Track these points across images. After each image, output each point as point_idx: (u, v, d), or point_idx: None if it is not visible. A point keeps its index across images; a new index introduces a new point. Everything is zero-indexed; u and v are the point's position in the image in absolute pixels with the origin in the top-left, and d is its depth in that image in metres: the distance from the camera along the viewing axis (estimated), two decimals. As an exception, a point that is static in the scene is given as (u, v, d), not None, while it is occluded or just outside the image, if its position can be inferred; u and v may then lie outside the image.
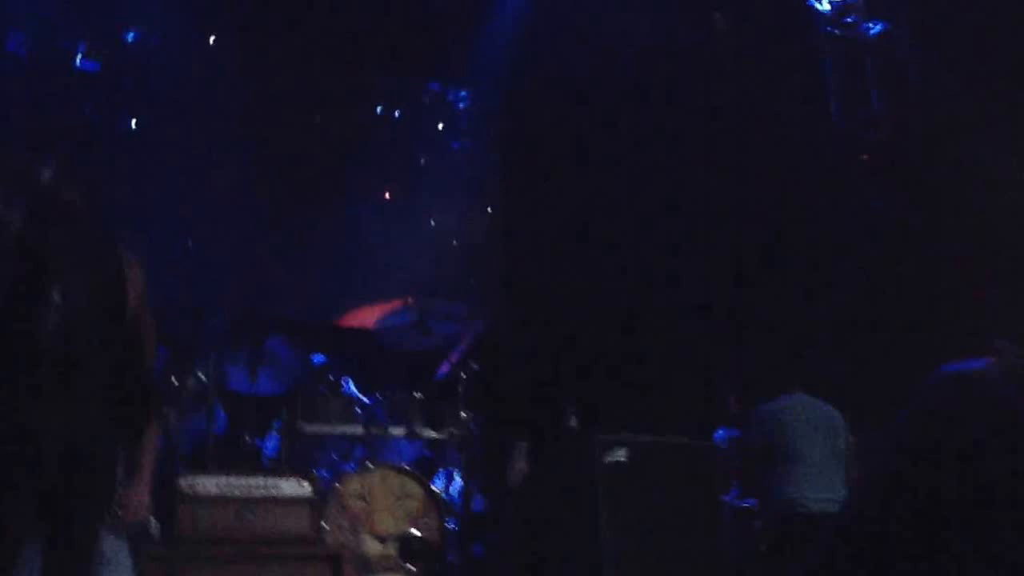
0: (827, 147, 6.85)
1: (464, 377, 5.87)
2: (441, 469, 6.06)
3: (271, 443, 5.69)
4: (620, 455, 4.56)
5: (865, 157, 6.74)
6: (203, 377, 5.39)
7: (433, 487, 5.42)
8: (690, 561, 4.51)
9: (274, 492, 4.62)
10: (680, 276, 7.31)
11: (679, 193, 7.42)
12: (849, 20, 6.56)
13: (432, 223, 8.25)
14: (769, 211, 7.01)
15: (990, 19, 6.42)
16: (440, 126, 8.48)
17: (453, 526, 5.43)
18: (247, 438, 5.76)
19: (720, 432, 5.46)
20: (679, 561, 4.48)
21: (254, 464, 5.56)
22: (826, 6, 6.62)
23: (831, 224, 6.96)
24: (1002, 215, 6.17)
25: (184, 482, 4.45)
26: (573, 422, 5.22)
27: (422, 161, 8.40)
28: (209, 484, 4.50)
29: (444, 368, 6.27)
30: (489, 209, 8.39)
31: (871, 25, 6.63)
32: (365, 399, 5.91)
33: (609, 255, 7.49)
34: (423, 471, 5.63)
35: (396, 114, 8.30)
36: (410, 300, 6.43)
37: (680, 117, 7.36)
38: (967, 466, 1.81)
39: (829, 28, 6.64)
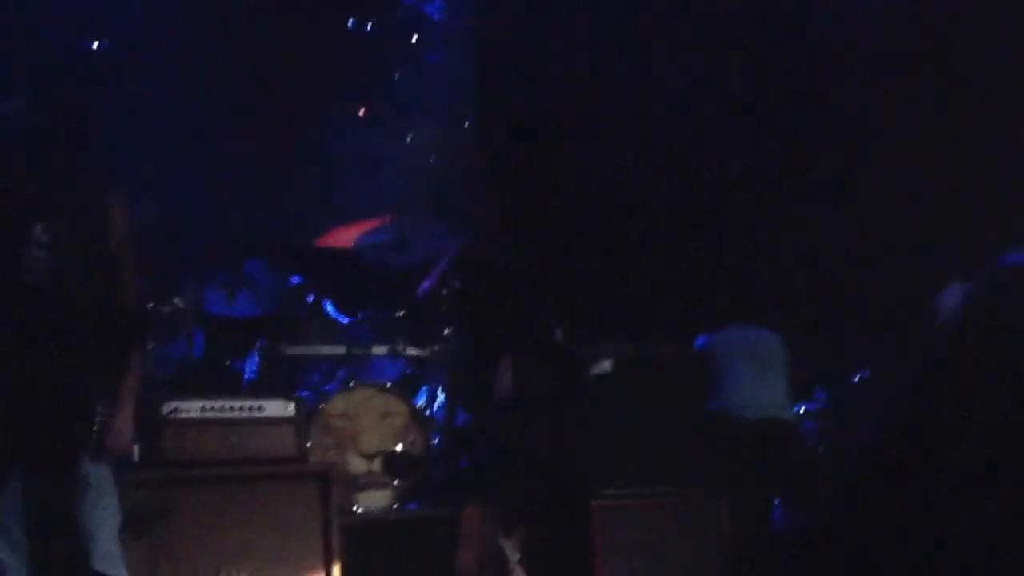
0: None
1: (446, 294, 5.82)
2: (424, 386, 6.05)
3: (251, 366, 5.65)
4: (606, 366, 4.55)
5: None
6: (180, 302, 5.33)
7: (416, 404, 5.42)
8: (678, 468, 4.54)
9: (258, 414, 4.59)
10: (663, 185, 7.23)
11: (660, 102, 7.29)
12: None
13: (408, 139, 8.10)
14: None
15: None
16: (415, 39, 8.28)
17: (437, 442, 5.44)
18: (227, 361, 5.72)
19: (701, 339, 5.50)
20: (666, 470, 4.51)
21: (235, 387, 5.53)
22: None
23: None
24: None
25: (166, 407, 4.41)
26: (559, 335, 5.20)
27: (396, 76, 8.21)
28: (192, 408, 4.46)
29: (426, 285, 6.21)
30: (467, 123, 8.23)
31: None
32: (346, 319, 5.86)
33: (588, 166, 7.38)
34: (406, 389, 5.62)
35: (368, 27, 8.09)
36: (389, 218, 6.34)
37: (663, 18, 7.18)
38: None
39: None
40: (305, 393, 5.34)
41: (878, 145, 6.58)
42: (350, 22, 8.10)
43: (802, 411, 5.95)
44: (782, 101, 7.02)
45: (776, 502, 5.18)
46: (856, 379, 6.10)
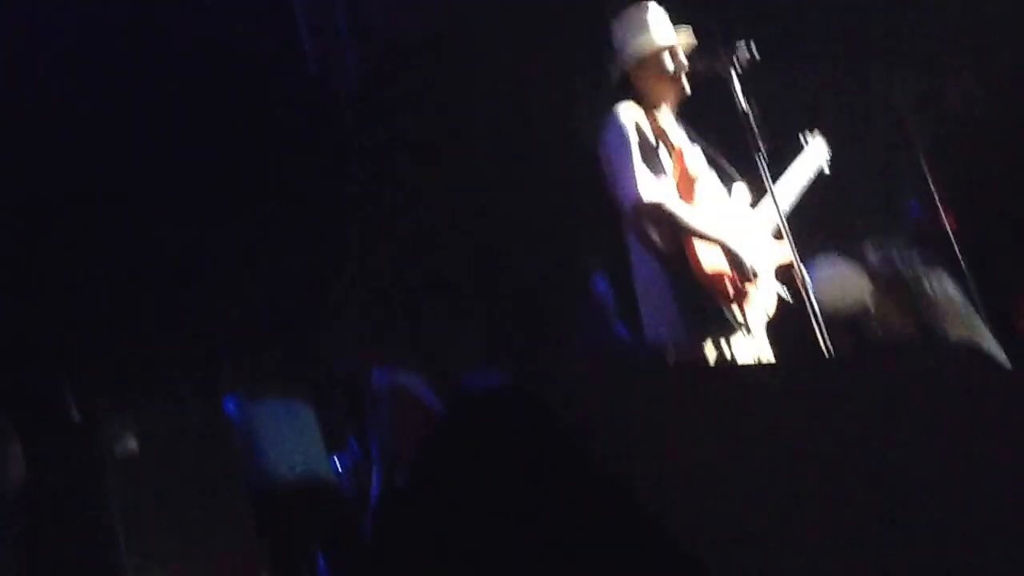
0: (303, 95, 6.92)
1: None
2: None
3: None
4: (131, 443, 4.30)
5: (340, 106, 6.91)
6: None
7: None
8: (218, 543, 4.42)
9: None
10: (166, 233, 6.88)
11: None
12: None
13: None
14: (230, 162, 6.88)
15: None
16: None
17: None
18: None
19: (229, 401, 5.32)
20: (209, 548, 4.37)
21: None
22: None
23: (304, 170, 7.05)
24: (469, 164, 6.72)
25: None
26: (75, 413, 4.81)
27: None
28: None
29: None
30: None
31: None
32: None
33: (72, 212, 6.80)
34: None
35: None
36: None
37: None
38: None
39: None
40: None
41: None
42: None
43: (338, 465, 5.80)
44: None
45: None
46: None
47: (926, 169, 5.13)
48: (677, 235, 3.44)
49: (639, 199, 3.45)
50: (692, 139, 3.78)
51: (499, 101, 6.82)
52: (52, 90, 6.37)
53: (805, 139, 4.23)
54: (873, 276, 4.54)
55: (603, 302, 6.20)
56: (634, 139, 3.53)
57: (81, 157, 6.24)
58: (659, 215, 3.46)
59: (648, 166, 3.51)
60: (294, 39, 7.00)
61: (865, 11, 6.17)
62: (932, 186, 5.12)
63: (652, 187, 3.46)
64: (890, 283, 4.54)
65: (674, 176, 3.57)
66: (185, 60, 6.59)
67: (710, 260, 3.44)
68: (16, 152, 6.01)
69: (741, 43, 3.45)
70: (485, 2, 6.72)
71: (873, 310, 4.04)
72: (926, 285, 4.91)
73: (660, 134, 3.63)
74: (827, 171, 4.30)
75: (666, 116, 3.74)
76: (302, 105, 7.04)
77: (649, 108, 3.68)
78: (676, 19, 3.78)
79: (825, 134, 4.30)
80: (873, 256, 4.87)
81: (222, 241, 6.68)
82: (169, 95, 6.54)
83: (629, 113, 3.61)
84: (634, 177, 3.47)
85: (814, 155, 4.20)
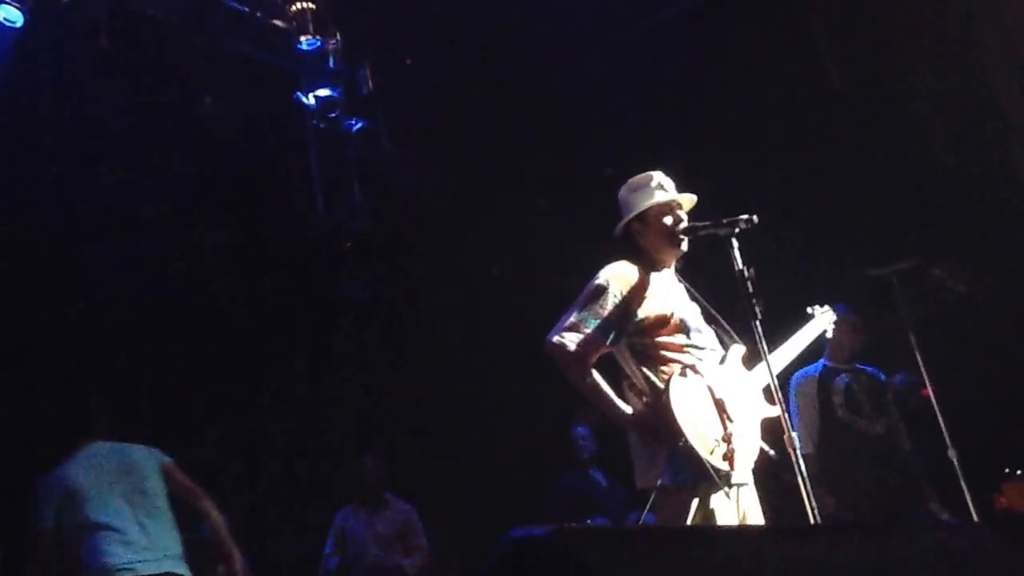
0: (313, 234, 7.08)
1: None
2: None
3: None
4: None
5: (348, 245, 7.07)
6: None
7: None
8: None
9: None
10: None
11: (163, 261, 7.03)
12: (332, 116, 6.88)
13: None
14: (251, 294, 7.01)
15: (457, 122, 7.15)
16: None
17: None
18: None
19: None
20: None
21: None
22: (312, 101, 6.88)
23: (314, 304, 7.18)
24: (474, 299, 6.84)
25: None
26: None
27: None
28: None
29: None
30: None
31: (353, 122, 7.03)
32: None
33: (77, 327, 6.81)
34: None
35: None
36: None
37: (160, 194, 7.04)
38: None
39: (315, 122, 6.91)
40: None
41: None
42: None
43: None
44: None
45: None
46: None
47: (913, 343, 5.28)
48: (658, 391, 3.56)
49: (548, 340, 3.67)
50: (692, 298, 3.88)
51: (500, 262, 7.01)
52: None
53: (814, 311, 4.41)
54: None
55: (582, 447, 6.25)
56: (612, 291, 3.67)
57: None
58: (564, 358, 3.63)
59: (605, 317, 3.64)
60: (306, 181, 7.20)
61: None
62: (919, 360, 5.26)
63: (570, 336, 3.62)
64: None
65: (652, 332, 3.67)
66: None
67: (694, 416, 3.50)
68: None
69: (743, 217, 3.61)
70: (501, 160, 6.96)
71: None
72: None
73: (650, 290, 3.73)
74: (829, 335, 4.54)
75: (663, 275, 3.84)
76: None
77: (646, 266, 3.79)
78: (681, 187, 3.94)
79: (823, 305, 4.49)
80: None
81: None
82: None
83: (618, 269, 3.76)
84: (564, 322, 3.66)
85: (819, 325, 4.37)
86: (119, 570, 4.15)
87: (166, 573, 4.24)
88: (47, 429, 4.79)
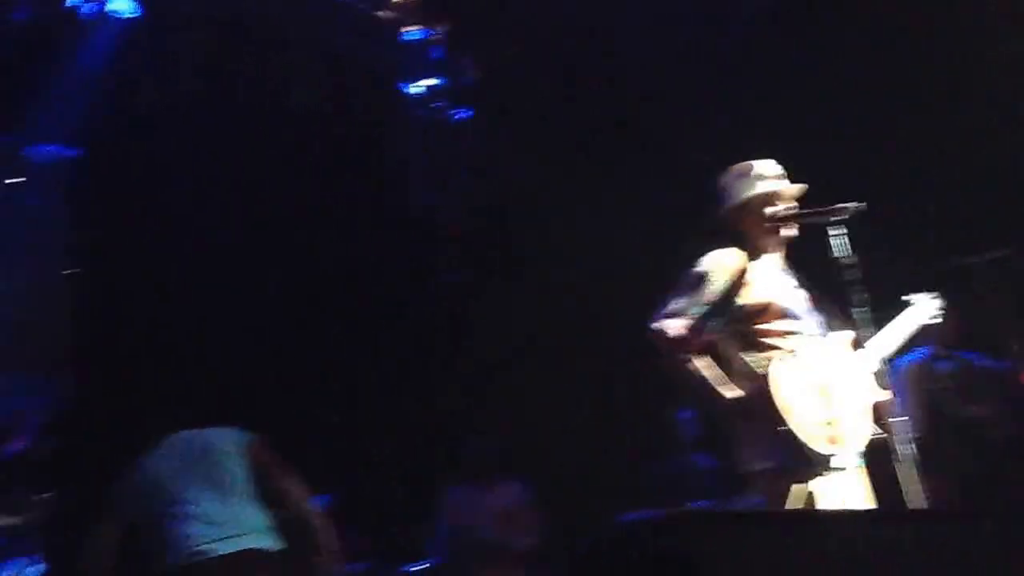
0: (416, 220, 7.25)
1: (39, 453, 5.45)
2: (13, 558, 5.54)
3: None
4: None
5: (450, 234, 7.21)
6: None
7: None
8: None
9: None
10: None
11: (264, 254, 7.30)
12: (436, 105, 7.02)
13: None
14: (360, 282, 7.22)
15: (555, 107, 7.23)
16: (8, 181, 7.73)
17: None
18: None
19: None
20: None
21: None
22: (415, 90, 7.03)
23: (419, 291, 7.37)
24: (577, 280, 6.91)
25: None
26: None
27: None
28: None
29: (15, 447, 5.77)
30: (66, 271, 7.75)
31: (456, 111, 7.16)
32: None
33: (185, 321, 7.15)
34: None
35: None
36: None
37: (268, 187, 7.28)
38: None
39: (418, 112, 7.06)
40: None
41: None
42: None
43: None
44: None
45: None
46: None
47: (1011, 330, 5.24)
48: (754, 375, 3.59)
49: (649, 326, 3.71)
50: (799, 285, 3.89)
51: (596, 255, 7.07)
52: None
53: (914, 299, 4.36)
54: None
55: (685, 431, 6.28)
56: (712, 278, 3.70)
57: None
58: (665, 344, 3.67)
59: (706, 303, 3.67)
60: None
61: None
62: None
63: (671, 323, 3.66)
64: None
65: (754, 319, 3.70)
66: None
67: (796, 402, 3.53)
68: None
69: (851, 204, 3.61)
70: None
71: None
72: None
73: (751, 277, 3.75)
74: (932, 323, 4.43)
75: (766, 262, 3.86)
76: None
77: (748, 253, 3.81)
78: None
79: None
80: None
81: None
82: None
83: (719, 256, 3.79)
84: (665, 308, 3.70)
85: (921, 312, 4.31)
86: (199, 548, 4.19)
87: (246, 550, 4.23)
88: (132, 424, 4.97)
